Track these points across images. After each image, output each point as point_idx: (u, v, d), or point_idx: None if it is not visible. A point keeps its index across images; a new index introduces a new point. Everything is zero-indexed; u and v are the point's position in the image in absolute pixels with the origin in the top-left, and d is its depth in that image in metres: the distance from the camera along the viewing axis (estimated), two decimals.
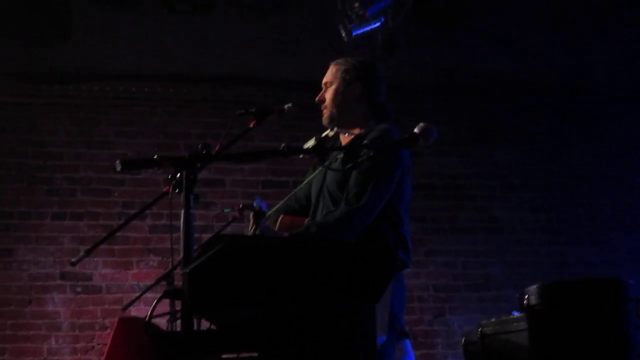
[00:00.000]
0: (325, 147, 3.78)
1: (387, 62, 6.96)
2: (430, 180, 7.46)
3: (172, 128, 7.08)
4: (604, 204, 7.69)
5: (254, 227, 3.55)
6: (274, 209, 4.00)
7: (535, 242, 7.47)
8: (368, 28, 6.18)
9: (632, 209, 7.69)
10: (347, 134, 3.90)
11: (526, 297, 3.73)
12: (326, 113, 3.93)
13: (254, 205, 3.64)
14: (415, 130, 3.18)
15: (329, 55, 6.42)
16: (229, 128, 3.78)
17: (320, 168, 3.93)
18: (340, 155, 3.75)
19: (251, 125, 3.82)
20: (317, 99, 3.96)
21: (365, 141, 3.33)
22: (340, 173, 3.69)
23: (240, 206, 3.87)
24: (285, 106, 3.89)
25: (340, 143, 3.98)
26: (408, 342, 3.83)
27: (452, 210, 7.48)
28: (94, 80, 6.96)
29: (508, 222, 7.53)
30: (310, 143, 3.64)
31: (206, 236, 2.77)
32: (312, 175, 4.03)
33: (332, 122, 3.92)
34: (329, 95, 3.93)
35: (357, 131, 3.85)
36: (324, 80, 3.99)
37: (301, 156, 4.09)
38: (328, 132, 3.93)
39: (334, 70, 3.99)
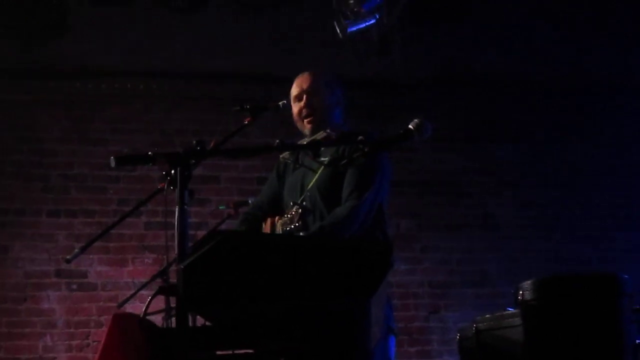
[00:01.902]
0: (319, 143, 3.79)
1: (382, 58, 6.96)
2: (426, 177, 7.47)
3: (167, 125, 7.08)
4: (600, 200, 7.69)
5: (297, 224, 3.52)
6: (239, 223, 4.07)
7: (531, 239, 7.47)
8: (363, 25, 6.17)
9: (628, 206, 7.69)
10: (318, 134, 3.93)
11: (520, 292, 3.73)
12: (315, 121, 3.93)
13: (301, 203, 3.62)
14: (410, 126, 3.18)
15: (325, 51, 6.47)
16: (225, 125, 3.79)
17: (298, 168, 3.94)
18: (322, 152, 3.78)
19: (246, 122, 3.82)
20: (304, 107, 3.94)
21: (360, 137, 3.34)
22: (331, 170, 3.71)
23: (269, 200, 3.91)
24: (280, 103, 3.90)
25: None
26: (392, 339, 3.83)
27: (448, 206, 7.48)
28: (88, 77, 6.95)
29: (503, 218, 7.53)
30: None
31: (201, 233, 2.77)
32: (274, 178, 4.12)
33: (319, 129, 3.93)
34: (317, 103, 3.94)
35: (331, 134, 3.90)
36: (305, 88, 3.97)
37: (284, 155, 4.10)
38: (316, 137, 3.93)
39: (317, 80, 4.00)
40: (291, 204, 3.68)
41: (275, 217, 3.85)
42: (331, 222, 3.62)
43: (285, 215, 3.63)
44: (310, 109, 3.92)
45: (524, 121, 7.77)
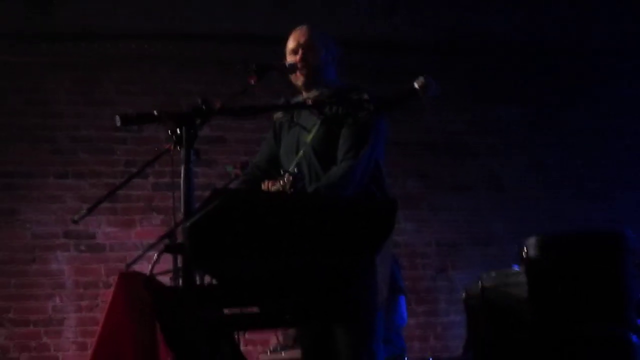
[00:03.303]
0: (324, 101, 3.77)
1: (387, 20, 6.93)
2: (433, 137, 7.47)
3: (173, 86, 7.05)
4: (606, 161, 7.70)
5: (289, 192, 3.51)
6: (239, 185, 4.05)
7: (537, 199, 7.48)
8: None
9: (633, 166, 7.70)
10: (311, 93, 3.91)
11: (524, 249, 3.75)
12: (309, 76, 3.88)
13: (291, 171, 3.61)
14: (414, 83, 3.17)
15: (329, 11, 6.44)
16: (231, 86, 3.77)
17: (293, 127, 3.92)
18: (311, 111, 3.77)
19: (252, 82, 3.79)
20: (299, 60, 3.89)
21: (365, 96, 3.32)
22: (325, 128, 3.70)
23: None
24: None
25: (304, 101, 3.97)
26: (403, 299, 3.85)
27: (455, 167, 7.49)
28: (93, 38, 6.92)
29: (510, 179, 7.54)
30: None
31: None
32: (271, 137, 4.05)
33: (313, 84, 3.90)
34: (311, 57, 3.89)
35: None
36: (302, 42, 3.91)
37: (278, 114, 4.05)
38: (310, 95, 3.91)
39: (313, 35, 3.95)
40: (282, 172, 3.68)
41: (268, 183, 3.81)
42: (327, 183, 3.60)
43: (278, 183, 3.62)
44: (305, 63, 3.90)
45: (531, 83, 7.75)
